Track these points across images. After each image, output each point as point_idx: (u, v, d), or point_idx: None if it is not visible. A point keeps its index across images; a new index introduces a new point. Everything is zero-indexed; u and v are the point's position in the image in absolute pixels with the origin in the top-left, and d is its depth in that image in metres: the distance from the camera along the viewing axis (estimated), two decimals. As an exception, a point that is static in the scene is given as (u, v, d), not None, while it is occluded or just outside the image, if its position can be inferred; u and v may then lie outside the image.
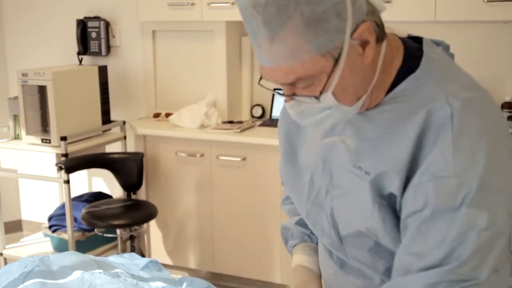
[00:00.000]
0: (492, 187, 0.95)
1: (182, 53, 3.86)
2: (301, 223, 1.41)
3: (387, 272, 1.11)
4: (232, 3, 3.37)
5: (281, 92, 1.06)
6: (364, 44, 0.99)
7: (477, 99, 1.02)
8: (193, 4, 3.48)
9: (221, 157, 3.39)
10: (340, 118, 1.06)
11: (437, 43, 1.14)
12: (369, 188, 1.05)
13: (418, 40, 1.12)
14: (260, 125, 3.59)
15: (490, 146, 0.96)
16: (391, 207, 1.05)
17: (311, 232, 1.38)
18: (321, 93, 1.00)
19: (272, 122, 3.62)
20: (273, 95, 3.71)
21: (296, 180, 1.24)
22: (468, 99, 0.99)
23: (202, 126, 3.53)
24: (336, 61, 0.97)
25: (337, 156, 1.13)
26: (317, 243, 1.37)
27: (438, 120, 0.98)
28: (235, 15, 3.34)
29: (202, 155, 3.45)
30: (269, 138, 3.27)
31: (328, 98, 1.01)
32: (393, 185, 1.02)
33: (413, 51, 1.08)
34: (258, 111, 3.79)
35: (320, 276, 1.34)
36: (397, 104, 1.05)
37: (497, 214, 0.95)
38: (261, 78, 1.08)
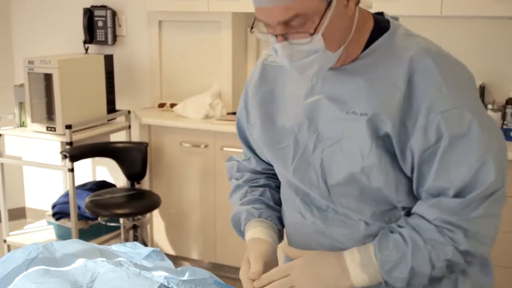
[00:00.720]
0: (481, 112, 1.19)
1: (188, 44, 3.87)
2: (250, 202, 1.44)
3: (374, 216, 1.25)
4: None
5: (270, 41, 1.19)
6: None
7: (440, 49, 1.23)
8: None
9: (225, 148, 3.39)
10: (324, 64, 1.20)
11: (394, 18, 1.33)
12: (367, 127, 1.18)
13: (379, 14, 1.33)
14: None
15: (466, 81, 1.21)
16: (386, 146, 1.19)
17: (266, 207, 1.43)
18: (313, 33, 1.14)
19: None
20: None
21: (277, 145, 1.33)
22: (436, 48, 1.22)
23: (207, 117, 3.55)
24: (329, 4, 1.13)
25: (324, 111, 1.25)
26: (269, 220, 1.41)
27: (423, 67, 1.17)
28: (242, 6, 3.41)
29: (206, 146, 3.46)
30: None
31: (318, 39, 1.15)
32: (387, 126, 1.17)
33: (380, 18, 1.29)
34: None
35: (276, 250, 1.36)
36: (375, 57, 1.22)
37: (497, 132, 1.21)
38: (252, 27, 1.21)
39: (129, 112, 3.91)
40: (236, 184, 1.49)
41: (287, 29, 1.15)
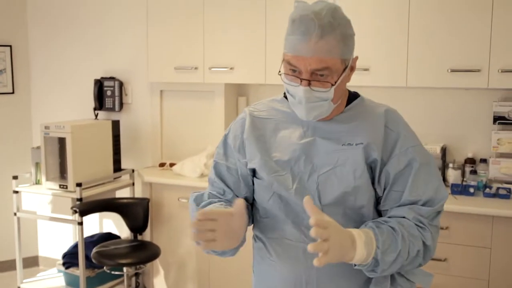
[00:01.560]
0: (422, 147, 1.57)
1: (186, 110, 4.03)
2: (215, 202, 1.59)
3: None
4: (231, 68, 3.60)
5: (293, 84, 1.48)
6: (351, 69, 1.51)
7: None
8: (196, 68, 3.72)
9: None
10: (326, 111, 1.50)
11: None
12: (362, 153, 1.50)
13: None
14: None
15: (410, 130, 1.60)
16: (369, 171, 1.50)
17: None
18: (333, 85, 1.44)
19: None
20: None
21: (276, 173, 1.55)
22: (392, 108, 1.61)
23: (202, 176, 3.65)
24: (345, 68, 1.46)
25: (319, 147, 1.53)
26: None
27: (393, 118, 1.56)
28: (233, 78, 3.63)
29: None
30: None
31: (332, 91, 1.46)
32: (375, 154, 1.49)
33: (350, 90, 1.64)
34: None
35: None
36: (355, 112, 1.57)
37: None
38: (279, 71, 1.49)
39: (133, 171, 4.04)
40: (205, 203, 1.60)
41: (312, 77, 1.43)
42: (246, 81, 3.69)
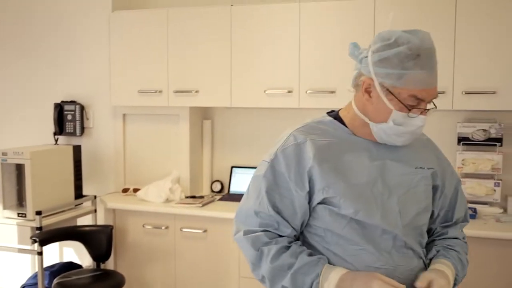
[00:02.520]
0: None
1: (149, 134, 3.99)
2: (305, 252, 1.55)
3: (422, 248, 1.65)
4: (196, 91, 3.58)
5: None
6: None
7: None
8: (160, 91, 3.68)
9: (184, 229, 3.47)
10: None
11: None
12: (430, 177, 1.63)
13: None
14: (220, 199, 3.71)
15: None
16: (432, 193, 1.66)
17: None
18: (435, 107, 1.55)
19: (230, 197, 3.75)
20: (231, 172, 3.87)
21: (360, 195, 1.53)
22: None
23: (167, 201, 3.63)
24: None
25: (392, 169, 1.58)
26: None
27: (434, 146, 1.74)
28: (197, 101, 3.61)
29: (167, 228, 3.53)
30: (228, 211, 3.36)
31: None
32: (438, 179, 1.66)
33: None
34: (217, 187, 3.93)
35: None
36: None
37: None
38: (409, 110, 1.48)
39: (95, 197, 3.94)
40: (277, 248, 1.50)
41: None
42: (211, 104, 3.68)
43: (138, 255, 3.67)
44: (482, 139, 3.30)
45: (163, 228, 3.55)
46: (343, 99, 3.10)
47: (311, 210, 1.56)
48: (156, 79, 3.72)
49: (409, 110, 1.46)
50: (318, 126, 1.62)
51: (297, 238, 1.60)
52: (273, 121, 3.85)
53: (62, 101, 4.15)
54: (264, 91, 3.46)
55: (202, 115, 4.00)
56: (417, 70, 1.43)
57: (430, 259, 1.65)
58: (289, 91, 3.41)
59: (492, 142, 3.28)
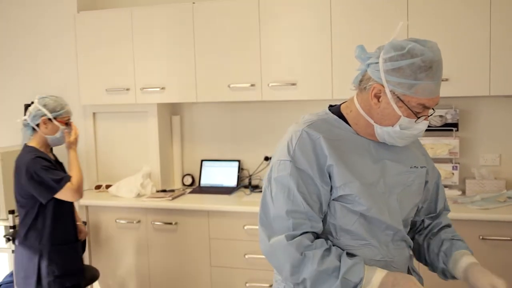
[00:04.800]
0: None
1: (120, 132, 3.97)
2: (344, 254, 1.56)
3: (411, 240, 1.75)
4: (162, 88, 3.58)
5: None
6: None
7: None
8: (128, 89, 3.68)
9: (156, 223, 3.47)
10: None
11: None
12: (425, 174, 1.69)
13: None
14: (190, 192, 3.71)
15: None
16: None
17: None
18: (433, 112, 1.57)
19: (201, 189, 3.76)
20: (201, 165, 3.86)
21: (370, 194, 1.57)
22: None
23: (139, 196, 3.64)
24: None
25: (391, 169, 1.62)
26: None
27: (420, 143, 1.77)
28: (164, 98, 3.60)
29: (139, 221, 3.52)
30: (198, 203, 3.39)
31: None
32: (428, 176, 1.71)
33: None
34: (188, 180, 3.93)
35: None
36: None
37: None
38: (417, 117, 1.51)
39: None
40: (320, 254, 1.50)
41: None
42: (177, 100, 3.67)
43: (112, 249, 3.66)
44: (439, 125, 3.30)
45: (135, 222, 3.55)
46: (304, 91, 3.30)
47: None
48: (123, 77, 3.71)
49: (417, 117, 1.51)
50: (325, 123, 1.61)
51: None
52: (238, 114, 3.87)
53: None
54: (228, 86, 3.46)
55: (171, 111, 3.99)
56: (428, 81, 1.45)
57: (444, 251, 1.73)
58: (252, 85, 3.41)
59: (449, 127, 3.29)
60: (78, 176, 2.90)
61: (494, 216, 2.87)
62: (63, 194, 2.82)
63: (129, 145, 3.97)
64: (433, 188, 1.78)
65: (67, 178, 2.84)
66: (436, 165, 3.02)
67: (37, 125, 2.94)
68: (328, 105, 1.71)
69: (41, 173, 2.79)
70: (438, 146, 3.29)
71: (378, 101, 1.52)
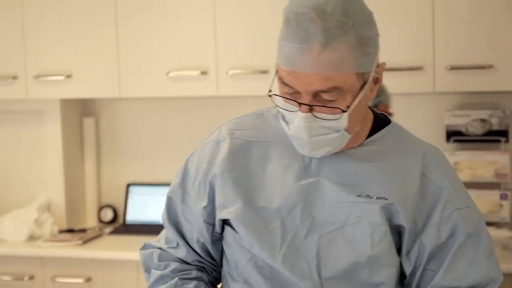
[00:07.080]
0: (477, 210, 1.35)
1: (3, 141, 3.45)
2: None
3: None
4: (68, 76, 3.06)
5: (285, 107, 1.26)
6: (376, 81, 1.26)
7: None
8: (14, 77, 3.11)
9: (58, 279, 2.96)
10: (338, 145, 1.25)
11: None
12: (383, 212, 1.25)
13: None
14: (111, 233, 3.25)
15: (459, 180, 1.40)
16: (397, 235, 1.26)
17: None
18: (345, 110, 1.19)
19: (127, 228, 3.29)
20: (127, 192, 3.38)
21: (261, 226, 1.31)
22: (435, 147, 1.38)
23: (32, 238, 3.14)
24: (363, 84, 1.20)
25: (325, 194, 1.29)
26: None
27: (437, 165, 1.30)
28: (72, 91, 3.20)
29: (31, 278, 2.99)
30: (121, 250, 2.93)
31: (345, 118, 1.19)
32: (400, 218, 1.24)
33: (374, 110, 1.39)
34: (107, 215, 3.42)
35: None
36: (383, 146, 1.31)
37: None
38: (270, 91, 1.27)
39: None
40: (159, 275, 1.39)
41: (315, 100, 1.19)
42: (91, 95, 3.22)
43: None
44: (480, 133, 2.94)
45: (25, 278, 2.99)
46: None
47: (218, 232, 1.40)
48: (7, 60, 3.18)
49: (282, 98, 1.26)
50: (257, 120, 1.44)
51: (203, 267, 1.43)
52: (184, 117, 3.45)
53: None
54: (167, 74, 3.03)
55: (81, 111, 3.46)
56: (283, 41, 1.20)
57: None
58: (203, 72, 3.02)
59: (495, 136, 2.93)
60: None
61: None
62: None
63: (16, 161, 3.43)
64: (439, 249, 1.30)
65: None
66: (477, 193, 2.80)
67: None
68: None
69: None
70: (479, 164, 2.91)
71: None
